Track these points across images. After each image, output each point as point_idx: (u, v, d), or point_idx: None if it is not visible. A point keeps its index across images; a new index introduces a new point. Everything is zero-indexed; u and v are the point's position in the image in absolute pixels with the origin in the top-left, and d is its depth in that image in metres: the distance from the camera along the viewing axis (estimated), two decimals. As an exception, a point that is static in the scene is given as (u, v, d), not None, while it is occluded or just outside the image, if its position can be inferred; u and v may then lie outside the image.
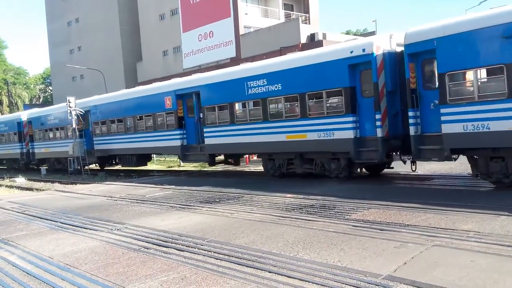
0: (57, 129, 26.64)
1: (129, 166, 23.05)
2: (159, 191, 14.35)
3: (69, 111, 23.34)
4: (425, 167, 14.60)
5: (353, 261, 5.70)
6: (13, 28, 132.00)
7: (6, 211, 12.40)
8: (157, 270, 5.95)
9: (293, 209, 9.48)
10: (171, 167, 26.11)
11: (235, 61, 33.33)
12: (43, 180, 23.95)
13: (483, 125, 9.94)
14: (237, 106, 16.23)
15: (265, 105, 14.93)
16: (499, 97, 9.68)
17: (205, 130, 17.37)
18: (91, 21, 51.87)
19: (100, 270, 6.14)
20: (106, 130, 23.12)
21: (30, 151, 29.77)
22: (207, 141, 17.28)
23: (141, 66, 47.62)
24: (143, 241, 7.61)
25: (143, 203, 12.05)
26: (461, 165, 14.53)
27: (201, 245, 7.06)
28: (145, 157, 22.78)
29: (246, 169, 20.10)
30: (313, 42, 30.71)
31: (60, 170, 26.95)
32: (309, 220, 8.30)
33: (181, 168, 24.95)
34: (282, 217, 8.77)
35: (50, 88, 73.85)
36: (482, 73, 10.21)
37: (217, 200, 11.48)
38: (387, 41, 12.24)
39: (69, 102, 23.33)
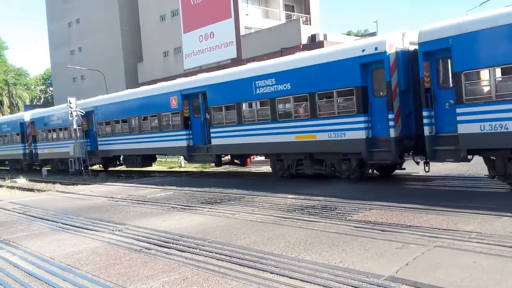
0: (60, 129, 26.46)
1: (134, 167, 22.87)
2: (160, 192, 14.35)
3: (69, 112, 23.37)
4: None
5: (355, 262, 5.69)
6: (14, 29, 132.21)
7: (8, 212, 12.40)
8: (159, 270, 5.95)
9: (295, 210, 9.47)
10: (172, 168, 26.12)
11: (236, 62, 33.36)
12: (44, 181, 23.97)
13: (501, 125, 9.71)
14: (245, 106, 16.00)
15: (273, 105, 14.70)
16: None
17: (211, 130, 17.16)
18: (91, 22, 51.90)
19: (102, 270, 6.13)
20: (110, 131, 22.92)
21: (33, 151, 29.64)
22: (214, 141, 17.06)
23: (142, 67, 47.63)
24: (144, 242, 7.61)
25: (144, 204, 12.05)
26: (462, 166, 14.53)
27: (203, 246, 7.06)
28: (150, 158, 22.55)
29: (248, 170, 20.08)
30: (314, 43, 30.69)
31: (63, 171, 26.79)
32: (310, 221, 8.29)
33: (182, 169, 24.96)
34: (283, 218, 8.76)
35: (51, 89, 73.91)
36: (500, 72, 9.97)
37: (219, 201, 11.48)
38: (400, 39, 12.02)
39: (70, 103, 23.37)
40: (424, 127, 11.16)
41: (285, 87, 14.29)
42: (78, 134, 24.50)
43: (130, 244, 7.56)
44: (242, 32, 36.82)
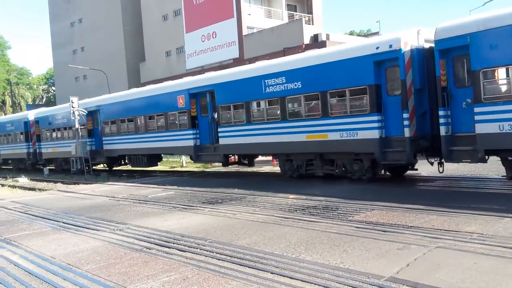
0: (65, 128, 26.28)
1: (140, 167, 22.73)
2: (162, 191, 14.36)
3: (72, 111, 23.39)
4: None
5: (356, 262, 5.68)
6: (16, 28, 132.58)
7: (9, 211, 12.42)
8: (159, 270, 5.94)
9: (296, 210, 9.46)
10: (174, 167, 26.13)
11: (238, 61, 33.37)
12: (45, 180, 24.00)
13: None
14: (254, 105, 15.77)
15: (283, 104, 14.48)
16: None
17: (219, 130, 16.98)
18: (94, 21, 52.02)
19: (102, 270, 6.13)
20: (116, 130, 22.73)
21: (37, 151, 29.52)
22: (222, 141, 16.86)
23: (144, 67, 47.70)
24: (145, 242, 7.61)
25: (145, 204, 12.05)
26: (464, 166, 14.50)
27: (203, 245, 7.05)
28: (156, 157, 22.38)
29: (249, 169, 20.07)
30: (316, 42, 30.68)
31: (67, 170, 26.63)
32: (311, 221, 8.28)
33: (183, 169, 24.97)
34: (284, 218, 8.75)
35: (53, 88, 74.09)
36: None
37: (220, 201, 11.48)
38: (415, 36, 11.77)
39: (72, 102, 23.39)
40: (440, 127, 10.94)
41: (295, 85, 14.05)
42: (81, 133, 24.51)
43: (131, 243, 7.56)
44: (245, 32, 36.84)
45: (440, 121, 10.95)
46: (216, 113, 17.25)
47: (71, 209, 11.96)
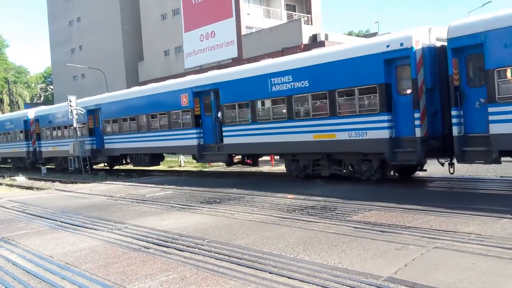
0: (65, 127, 25.99)
1: (142, 166, 22.47)
2: (160, 191, 14.35)
3: (70, 110, 23.33)
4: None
5: (354, 262, 5.69)
6: (15, 27, 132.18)
7: (7, 210, 12.40)
8: (157, 270, 5.94)
9: (294, 210, 9.47)
10: (172, 167, 26.10)
11: (237, 61, 33.36)
12: (43, 179, 23.95)
13: None
14: (260, 104, 15.53)
15: (290, 103, 14.23)
16: None
17: (224, 129, 16.72)
18: (92, 20, 51.92)
19: (100, 269, 6.13)
20: (118, 129, 22.44)
21: (37, 149, 29.25)
22: (226, 140, 16.65)
23: (143, 66, 47.63)
24: (143, 241, 7.61)
25: (143, 203, 12.04)
26: (463, 167, 14.52)
27: (202, 245, 7.05)
28: (158, 157, 22.10)
29: (248, 169, 20.07)
30: (315, 42, 30.68)
31: (67, 169, 26.45)
32: (310, 221, 8.29)
33: (181, 168, 24.95)
34: (283, 218, 8.75)
35: (51, 87, 73.93)
36: None
37: (218, 201, 11.47)
38: (426, 35, 11.56)
39: (70, 101, 23.33)
40: (453, 127, 10.73)
41: (302, 84, 13.82)
42: (82, 132, 24.42)
43: (129, 243, 7.55)
44: (243, 31, 36.81)
45: (452, 121, 10.74)
46: (220, 112, 17.02)
47: (69, 208, 11.95)
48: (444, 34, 11.05)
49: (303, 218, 8.55)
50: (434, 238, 6.53)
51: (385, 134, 11.93)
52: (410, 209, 8.71)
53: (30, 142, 29.75)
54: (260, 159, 19.30)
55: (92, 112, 24.08)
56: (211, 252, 6.63)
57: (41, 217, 10.89)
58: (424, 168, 12.90)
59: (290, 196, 11.36)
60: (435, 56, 11.55)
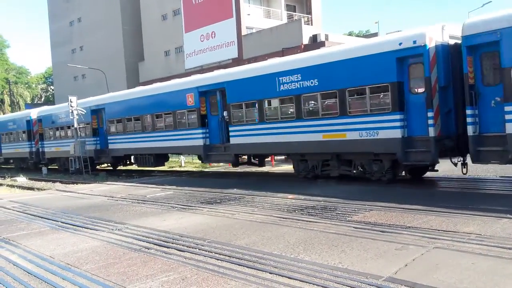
0: (68, 127, 25.78)
1: (146, 167, 22.34)
2: (160, 191, 14.36)
3: (70, 110, 23.33)
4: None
5: (354, 262, 5.70)
6: (15, 27, 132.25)
7: (7, 211, 12.41)
8: (158, 270, 5.95)
9: (295, 210, 9.48)
10: (172, 167, 26.12)
11: (237, 61, 33.38)
12: (44, 179, 23.97)
13: None
14: (267, 103, 15.33)
15: (298, 102, 14.02)
16: None
17: (230, 129, 16.54)
18: (93, 21, 51.96)
19: (101, 270, 6.14)
20: (122, 129, 22.22)
21: (40, 150, 29.13)
22: (233, 140, 16.45)
23: (143, 66, 47.67)
24: (144, 241, 7.62)
25: (144, 203, 12.06)
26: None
27: (202, 245, 7.06)
28: (162, 157, 21.91)
29: (248, 169, 20.09)
30: (315, 43, 30.69)
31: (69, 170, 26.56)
32: (310, 221, 8.29)
33: (182, 169, 24.96)
34: (283, 218, 8.76)
35: (52, 87, 73.98)
36: None
37: (218, 201, 11.48)
38: (439, 32, 11.35)
39: (71, 101, 23.33)
40: (468, 126, 10.54)
41: (311, 83, 13.62)
42: (86, 132, 24.36)
43: (130, 243, 7.56)
44: (244, 32, 36.83)
45: (467, 121, 10.55)
46: (226, 112, 16.83)
47: (70, 209, 11.96)
48: (457, 31, 10.95)
49: (303, 218, 8.56)
50: (434, 238, 6.53)
51: (397, 133, 11.73)
52: (410, 209, 8.71)
53: (33, 143, 29.60)
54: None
55: (96, 112, 23.94)
56: (211, 252, 6.64)
57: (42, 217, 10.90)
58: (435, 169, 12.76)
59: (290, 196, 11.37)
60: (449, 54, 11.36)
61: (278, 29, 34.53)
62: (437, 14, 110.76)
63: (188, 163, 27.18)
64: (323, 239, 6.91)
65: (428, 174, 13.54)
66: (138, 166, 23.25)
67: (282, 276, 5.39)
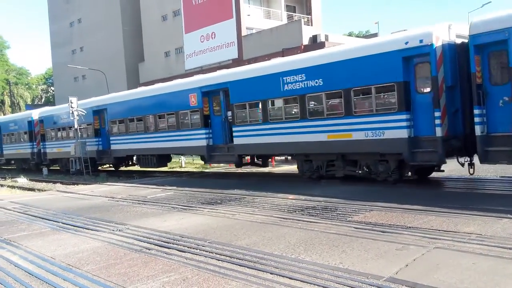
0: (70, 128, 25.64)
1: (149, 167, 22.21)
2: (161, 192, 14.36)
3: (71, 111, 23.33)
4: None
5: (355, 263, 5.70)
6: (16, 28, 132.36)
7: (8, 211, 12.42)
8: (159, 271, 5.96)
9: (295, 211, 9.48)
10: (173, 168, 26.13)
11: (237, 62, 33.40)
12: (45, 180, 23.98)
13: None
14: (271, 103, 15.17)
15: (303, 102, 13.90)
16: None
17: (234, 129, 16.42)
18: (93, 21, 52.01)
19: (102, 270, 6.15)
20: (124, 129, 22.03)
21: (42, 150, 29.00)
22: (236, 140, 16.29)
23: (143, 67, 47.70)
24: (144, 242, 7.62)
25: (144, 204, 12.06)
26: (463, 167, 14.51)
27: (203, 246, 7.07)
28: (165, 158, 21.80)
29: (248, 170, 20.10)
30: (315, 43, 30.73)
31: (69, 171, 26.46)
32: (311, 221, 8.30)
33: (182, 169, 24.97)
34: (284, 218, 8.77)
35: (52, 88, 74.04)
36: None
37: (219, 202, 11.49)
38: (446, 31, 11.24)
39: (71, 102, 23.33)
40: (475, 126, 10.44)
41: (316, 83, 13.50)
42: (87, 133, 24.31)
43: (131, 244, 7.57)
44: (244, 32, 36.87)
45: (475, 120, 10.44)
46: (230, 112, 16.74)
47: (71, 210, 11.97)
48: (464, 31, 10.90)
49: (304, 219, 8.56)
50: (434, 238, 6.54)
51: (403, 133, 11.63)
52: (411, 209, 8.72)
53: (34, 143, 29.46)
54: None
55: (98, 113, 23.84)
56: (212, 253, 6.64)
57: (42, 218, 10.91)
58: (441, 169, 12.67)
59: (291, 196, 11.37)
60: (455, 54, 11.28)
61: (278, 29, 34.56)
62: (437, 14, 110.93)
63: (189, 164, 27.19)
64: (324, 240, 6.91)
65: (442, 174, 13.39)
66: (140, 167, 23.14)
67: (283, 276, 5.40)
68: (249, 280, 5.35)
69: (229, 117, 16.98)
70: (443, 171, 12.81)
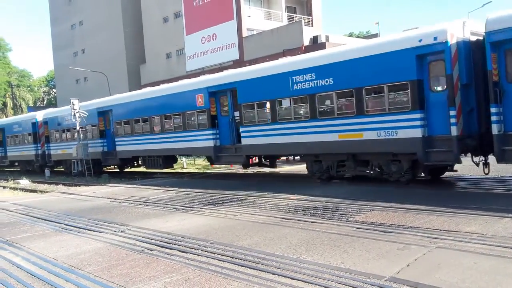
0: (75, 129, 25.17)
1: (155, 168, 22.03)
2: (163, 193, 14.38)
3: (72, 113, 23.36)
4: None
5: (356, 263, 5.71)
6: (17, 31, 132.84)
7: (11, 213, 12.45)
8: (161, 271, 5.97)
9: (296, 211, 9.49)
10: (175, 169, 26.15)
11: (238, 63, 33.43)
12: (47, 182, 24.05)
13: None
14: (280, 103, 14.90)
15: (313, 101, 13.64)
16: None
17: (242, 129, 16.18)
18: (94, 23, 52.15)
19: (104, 271, 6.16)
20: (130, 130, 21.84)
21: (46, 152, 28.96)
22: (244, 141, 16.08)
23: (145, 69, 47.78)
24: (146, 243, 7.64)
25: (146, 205, 12.08)
26: (462, 167, 14.50)
27: (205, 246, 7.08)
28: (171, 159, 21.63)
29: (250, 171, 20.11)
30: (316, 44, 30.75)
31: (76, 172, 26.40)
32: (312, 222, 8.31)
33: (184, 170, 24.99)
34: (285, 219, 8.77)
35: (54, 90, 74.23)
36: None
37: (220, 202, 11.50)
38: (460, 28, 11.02)
39: (73, 104, 23.37)
40: (492, 125, 10.20)
41: (326, 82, 13.28)
42: (92, 134, 24.27)
43: (133, 245, 7.59)
44: (244, 33, 36.92)
45: (491, 119, 10.21)
46: (237, 112, 16.56)
47: (73, 211, 12.00)
48: (478, 28, 10.78)
49: (305, 219, 8.57)
50: (436, 238, 6.54)
51: (417, 133, 11.41)
52: (412, 209, 8.72)
53: (38, 145, 29.38)
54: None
55: (103, 114, 23.76)
56: (214, 253, 6.66)
57: (45, 220, 10.94)
58: (454, 169, 12.48)
59: (292, 197, 11.38)
60: (470, 51, 11.08)
61: (278, 30, 34.59)
62: (437, 15, 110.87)
63: (190, 165, 27.24)
64: (325, 240, 6.92)
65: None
66: (146, 168, 23.03)
67: (284, 276, 5.41)
68: (251, 280, 5.36)
69: (236, 118, 16.84)
70: (456, 171, 12.65)
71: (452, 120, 10.85)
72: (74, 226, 9.74)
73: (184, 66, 41.76)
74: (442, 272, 5.17)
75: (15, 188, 22.11)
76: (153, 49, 46.37)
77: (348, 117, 12.93)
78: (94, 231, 9.07)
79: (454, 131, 10.81)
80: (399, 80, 11.77)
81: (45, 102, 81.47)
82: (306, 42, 31.93)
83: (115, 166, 26.14)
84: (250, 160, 17.22)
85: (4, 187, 23.10)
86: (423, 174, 12.61)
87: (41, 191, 19.74)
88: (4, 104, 68.47)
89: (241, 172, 20.31)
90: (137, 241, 7.86)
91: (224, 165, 22.50)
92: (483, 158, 11.53)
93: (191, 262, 6.30)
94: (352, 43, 14.84)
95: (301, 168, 19.48)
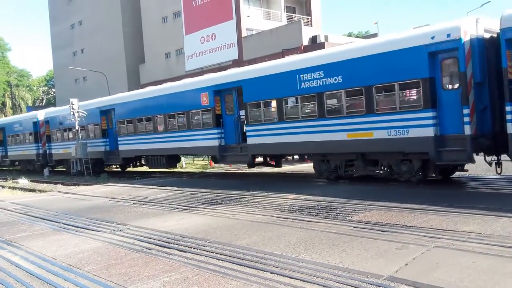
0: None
1: (158, 168, 21.90)
2: (161, 192, 14.39)
3: (72, 113, 23.35)
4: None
5: (355, 262, 5.72)
6: (17, 30, 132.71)
7: (9, 212, 12.45)
8: (160, 270, 5.98)
9: (295, 210, 9.50)
10: (173, 168, 26.14)
11: (237, 63, 33.45)
12: (46, 181, 24.03)
13: None
14: (287, 102, 14.65)
15: (321, 100, 13.40)
16: None
17: (247, 128, 16.01)
18: (94, 23, 52.13)
19: (103, 270, 6.17)
20: (133, 130, 21.67)
21: (47, 151, 28.85)
22: (250, 140, 15.86)
23: (144, 68, 47.78)
24: (145, 242, 7.64)
25: (145, 205, 12.09)
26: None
27: (203, 246, 7.08)
28: (175, 158, 21.55)
29: (249, 170, 20.12)
30: (315, 44, 30.77)
31: (79, 171, 26.26)
32: (311, 221, 8.31)
33: (183, 170, 24.99)
34: (284, 218, 8.78)
35: (53, 90, 74.18)
36: None
37: (219, 202, 11.51)
38: (474, 25, 10.79)
39: (72, 104, 23.36)
40: (507, 124, 9.96)
41: (335, 80, 13.04)
42: (94, 133, 24.21)
43: (131, 244, 7.59)
44: (244, 33, 36.94)
45: (507, 118, 9.99)
46: (242, 111, 16.36)
47: (71, 210, 11.99)
48: (491, 25, 10.65)
49: (304, 218, 8.58)
50: (434, 237, 6.55)
51: (429, 132, 11.16)
52: (410, 208, 8.73)
53: (40, 144, 29.24)
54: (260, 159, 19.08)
55: (105, 113, 23.65)
56: (212, 252, 6.66)
57: (43, 219, 10.93)
58: (465, 169, 12.33)
59: (291, 196, 11.39)
60: (484, 48, 10.86)
61: (278, 30, 34.61)
62: (437, 14, 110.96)
63: (189, 164, 27.24)
64: (324, 239, 6.93)
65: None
66: (149, 168, 22.88)
67: (283, 276, 5.41)
68: (250, 279, 5.37)
69: (241, 117, 16.67)
70: (467, 170, 12.51)
71: (466, 119, 10.63)
72: (72, 226, 9.74)
73: (183, 66, 41.77)
74: (440, 271, 5.18)
75: (14, 188, 22.11)
76: (152, 49, 46.36)
77: (358, 116, 12.69)
78: (93, 230, 9.06)
79: (467, 130, 10.60)
80: (411, 78, 11.54)
81: (44, 101, 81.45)
82: (305, 42, 31.96)
83: (117, 166, 26.06)
84: (256, 159, 17.08)
85: (3, 187, 23.10)
86: (433, 174, 12.40)
87: (40, 191, 19.74)
88: (3, 104, 68.46)
89: (240, 171, 20.32)
90: (136, 240, 7.86)
91: (223, 165, 22.49)
92: (496, 158, 11.37)
93: (190, 261, 6.31)
94: (361, 41, 14.57)
95: (301, 167, 19.52)
